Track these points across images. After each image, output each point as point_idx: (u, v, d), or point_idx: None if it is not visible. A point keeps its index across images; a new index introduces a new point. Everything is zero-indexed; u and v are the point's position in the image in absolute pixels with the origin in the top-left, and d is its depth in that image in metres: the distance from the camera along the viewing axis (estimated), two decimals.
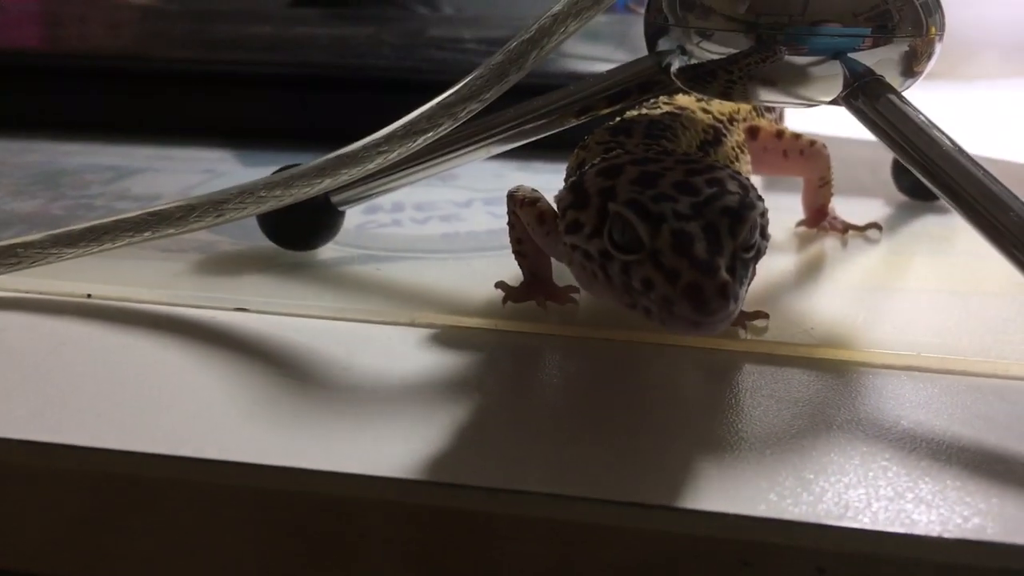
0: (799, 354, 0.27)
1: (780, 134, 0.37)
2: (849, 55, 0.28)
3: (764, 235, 0.24)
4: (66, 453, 0.22)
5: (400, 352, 0.27)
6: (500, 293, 0.30)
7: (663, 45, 0.30)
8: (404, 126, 0.30)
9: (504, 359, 0.27)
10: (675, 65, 0.30)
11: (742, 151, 0.34)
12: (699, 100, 0.35)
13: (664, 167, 0.24)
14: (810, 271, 0.34)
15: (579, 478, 0.21)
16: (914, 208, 0.42)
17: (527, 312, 0.29)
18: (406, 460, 0.22)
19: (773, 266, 0.34)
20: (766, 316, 0.29)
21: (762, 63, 0.28)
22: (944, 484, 0.21)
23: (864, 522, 0.19)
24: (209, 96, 0.51)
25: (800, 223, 0.38)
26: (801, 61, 0.28)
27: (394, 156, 0.30)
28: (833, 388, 0.25)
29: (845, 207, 0.39)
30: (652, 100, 0.35)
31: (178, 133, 0.50)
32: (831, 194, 0.38)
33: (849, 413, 0.24)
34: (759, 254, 0.24)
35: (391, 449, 0.22)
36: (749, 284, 0.24)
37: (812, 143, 0.37)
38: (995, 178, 0.27)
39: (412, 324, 0.29)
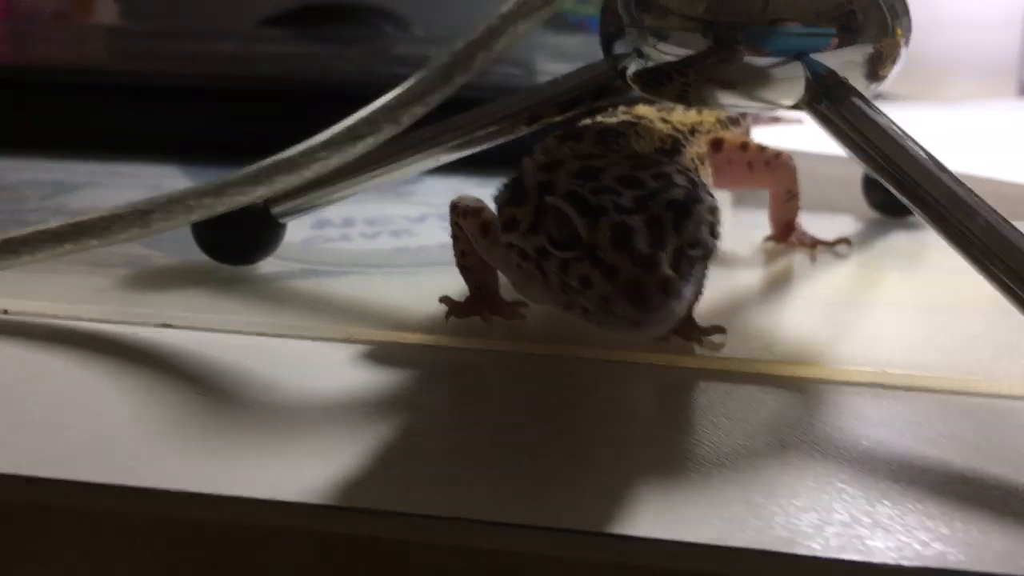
0: (756, 370, 0.26)
1: (745, 146, 0.36)
2: (811, 56, 0.27)
3: (715, 233, 0.22)
4: None
5: (330, 369, 0.26)
6: (444, 308, 0.28)
7: (619, 48, 0.29)
8: (344, 131, 0.28)
9: (442, 376, 0.26)
10: (631, 68, 0.29)
11: (702, 163, 0.33)
12: (660, 110, 0.34)
13: (609, 162, 0.23)
14: (774, 286, 0.33)
15: (508, 503, 0.19)
16: (885, 224, 0.41)
17: (471, 328, 0.28)
18: (318, 484, 0.20)
19: (736, 281, 0.33)
20: (723, 331, 0.27)
21: (719, 64, 0.27)
22: (904, 508, 0.19)
23: (815, 549, 0.18)
24: (158, 110, 0.49)
25: (768, 238, 0.37)
26: (761, 62, 0.27)
27: (333, 162, 0.28)
28: (790, 406, 0.24)
29: (815, 223, 0.37)
30: (610, 110, 0.34)
31: (125, 148, 0.48)
32: (799, 208, 0.36)
33: (806, 432, 0.22)
34: (709, 253, 0.22)
35: (303, 473, 0.20)
36: (701, 287, 0.22)
37: (778, 155, 0.36)
38: (962, 182, 0.25)
39: (348, 340, 0.27)
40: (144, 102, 0.50)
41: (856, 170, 0.40)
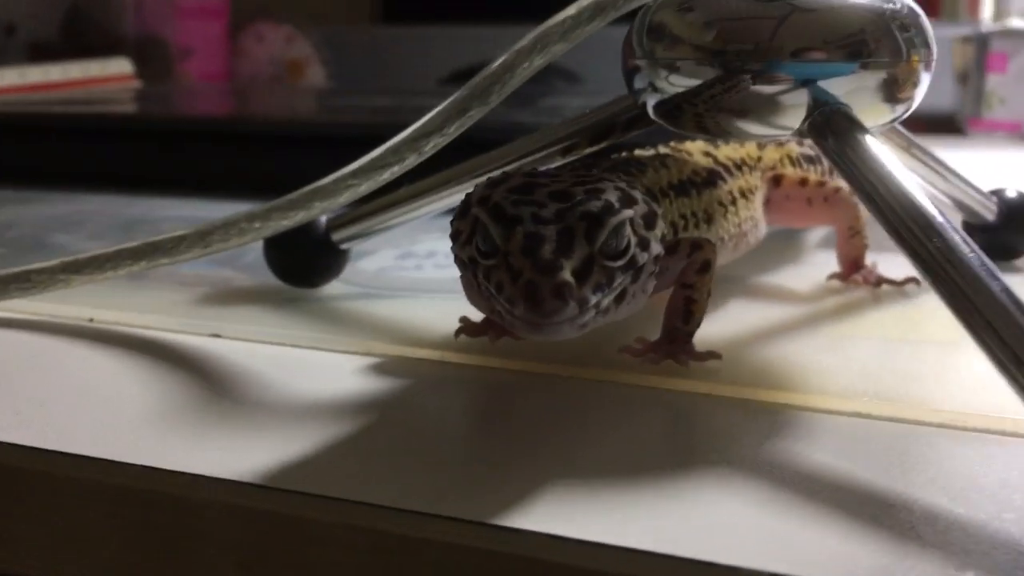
0: (742, 396, 0.26)
1: (804, 181, 0.35)
2: (819, 84, 0.27)
3: (644, 247, 0.23)
4: None
5: (330, 376, 0.28)
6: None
7: (637, 83, 0.29)
8: (371, 161, 0.30)
9: (428, 387, 0.27)
10: (650, 102, 0.29)
11: (745, 197, 0.33)
12: (707, 144, 0.34)
13: (555, 180, 0.24)
14: (811, 321, 0.32)
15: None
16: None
17: (477, 346, 0.29)
18: (259, 466, 0.22)
19: (770, 314, 0.32)
20: (718, 356, 0.27)
21: (727, 93, 0.27)
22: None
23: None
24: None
25: (832, 276, 0.36)
26: (768, 90, 0.27)
27: (363, 189, 0.31)
28: (772, 431, 0.24)
29: (895, 264, 0.36)
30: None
31: (266, 190, 0.52)
32: (866, 245, 0.35)
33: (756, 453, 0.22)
34: (633, 264, 0.23)
35: (252, 456, 0.22)
36: (629, 297, 0.23)
37: (837, 190, 0.35)
38: (955, 228, 0.23)
39: (366, 353, 0.29)
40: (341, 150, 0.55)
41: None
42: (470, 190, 0.32)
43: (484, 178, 0.31)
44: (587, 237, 0.21)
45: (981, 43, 0.76)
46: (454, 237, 0.24)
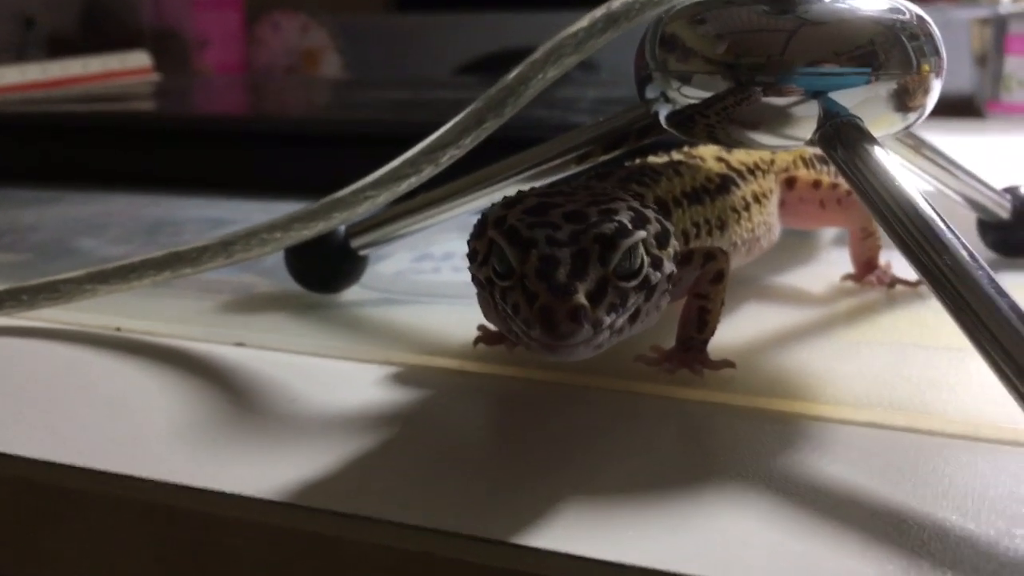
0: (757, 405, 0.26)
1: (817, 183, 0.36)
2: (829, 95, 0.27)
3: (657, 266, 0.23)
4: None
5: (352, 387, 0.28)
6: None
7: (649, 93, 0.30)
8: (389, 172, 0.31)
9: (448, 397, 0.28)
10: (662, 112, 0.30)
11: (758, 202, 0.33)
12: (719, 149, 0.34)
13: (569, 199, 0.24)
14: (825, 325, 0.32)
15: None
16: (1003, 265, 0.39)
17: (494, 355, 0.30)
18: (286, 483, 0.22)
19: (783, 318, 0.33)
20: (732, 365, 0.28)
21: (738, 105, 0.28)
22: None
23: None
24: (319, 154, 0.54)
25: (845, 276, 0.36)
26: (779, 102, 0.27)
27: (381, 200, 0.31)
28: (787, 441, 0.24)
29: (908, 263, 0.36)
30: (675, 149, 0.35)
31: (288, 188, 0.53)
32: (879, 246, 0.36)
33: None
34: (646, 283, 0.23)
35: (278, 472, 0.23)
36: (643, 315, 0.23)
37: (850, 192, 0.35)
38: (963, 243, 0.23)
39: (385, 362, 0.30)
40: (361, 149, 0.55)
41: (966, 210, 0.38)
42: (485, 201, 0.33)
43: (500, 194, 0.32)
44: (601, 259, 0.22)
45: (999, 25, 0.76)
46: (471, 257, 0.25)
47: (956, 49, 0.75)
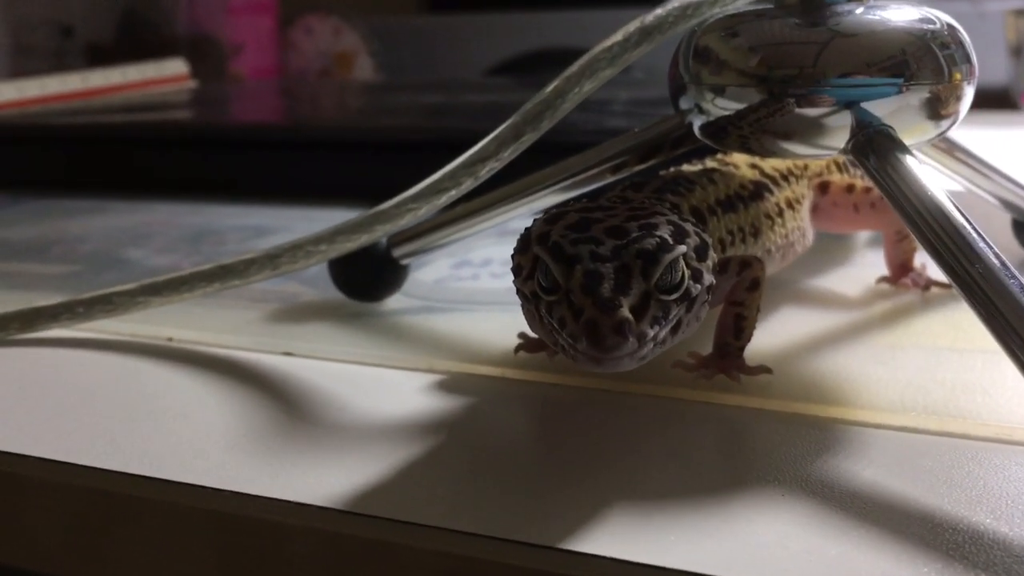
0: (794, 411, 0.27)
1: (851, 188, 0.36)
2: (861, 105, 0.28)
3: (697, 279, 0.24)
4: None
5: (399, 395, 0.29)
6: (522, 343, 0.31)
7: (683, 104, 0.30)
8: (430, 186, 0.32)
9: (491, 405, 0.29)
10: (696, 123, 0.30)
11: (792, 208, 0.34)
12: (752, 156, 0.35)
13: (609, 214, 0.25)
14: (861, 329, 0.33)
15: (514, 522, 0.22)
16: None
17: (535, 362, 0.30)
18: (341, 491, 0.23)
19: (816, 322, 0.33)
20: (769, 371, 0.28)
21: (771, 117, 0.28)
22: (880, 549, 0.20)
23: None
24: (357, 160, 0.56)
25: (881, 279, 0.37)
26: (812, 113, 0.28)
27: (423, 213, 0.32)
28: (823, 446, 0.25)
29: None
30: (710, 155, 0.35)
31: (326, 195, 0.54)
32: (914, 248, 0.36)
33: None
34: (687, 296, 0.24)
35: (333, 480, 0.24)
36: (684, 327, 0.24)
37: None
38: (995, 252, 0.24)
39: (429, 370, 0.31)
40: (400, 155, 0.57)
41: (1001, 212, 0.39)
42: (524, 211, 0.34)
43: (538, 204, 0.33)
44: (643, 274, 0.23)
45: None
46: (516, 271, 0.25)
47: (991, 41, 0.75)
